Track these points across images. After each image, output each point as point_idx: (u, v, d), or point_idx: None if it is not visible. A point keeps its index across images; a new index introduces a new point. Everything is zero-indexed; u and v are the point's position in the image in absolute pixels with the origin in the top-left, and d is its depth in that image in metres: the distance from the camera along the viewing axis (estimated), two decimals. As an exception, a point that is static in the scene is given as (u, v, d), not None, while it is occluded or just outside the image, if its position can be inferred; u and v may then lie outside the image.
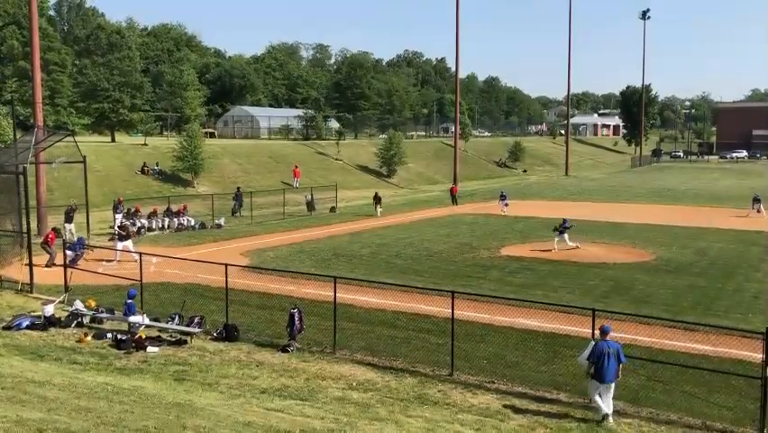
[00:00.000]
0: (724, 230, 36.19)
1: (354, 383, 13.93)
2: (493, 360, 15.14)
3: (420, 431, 10.61)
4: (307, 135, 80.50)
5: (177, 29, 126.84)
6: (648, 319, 16.37)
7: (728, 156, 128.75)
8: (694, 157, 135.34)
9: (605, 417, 11.98)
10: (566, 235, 29.82)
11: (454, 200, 50.62)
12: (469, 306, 16.59)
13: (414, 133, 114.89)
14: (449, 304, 14.76)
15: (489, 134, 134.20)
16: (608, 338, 12.32)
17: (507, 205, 44.94)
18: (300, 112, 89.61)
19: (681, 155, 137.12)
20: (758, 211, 42.37)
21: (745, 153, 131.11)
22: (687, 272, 25.44)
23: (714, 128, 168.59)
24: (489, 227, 38.15)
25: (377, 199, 44.28)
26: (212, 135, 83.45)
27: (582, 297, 21.06)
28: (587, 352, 12.59)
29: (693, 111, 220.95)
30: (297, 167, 57.43)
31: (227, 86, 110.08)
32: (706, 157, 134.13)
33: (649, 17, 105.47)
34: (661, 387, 13.29)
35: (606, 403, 12.11)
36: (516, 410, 12.56)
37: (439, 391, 13.51)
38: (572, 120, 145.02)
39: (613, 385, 12.22)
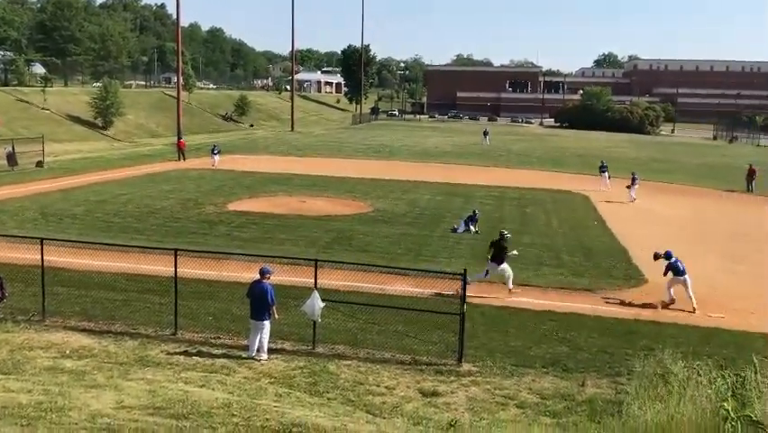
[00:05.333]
0: (431, 183, 39.66)
1: (68, 351, 12.94)
2: (219, 316, 15.07)
3: (141, 393, 10.20)
4: (6, 81, 71.51)
5: None
6: (367, 267, 17.49)
7: (446, 116, 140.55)
8: (408, 116, 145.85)
9: (250, 357, 12.89)
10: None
11: (181, 155, 48.66)
12: (194, 263, 16.21)
13: (132, 82, 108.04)
14: (173, 262, 14.30)
15: (215, 87, 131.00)
16: (264, 280, 13.25)
17: (217, 157, 45.00)
18: (-3, 54, 79.02)
19: (397, 114, 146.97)
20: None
21: (455, 113, 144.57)
22: (400, 222, 27.53)
23: (425, 89, 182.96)
24: (215, 182, 37.50)
25: None
26: None
27: (307, 248, 21.75)
28: (309, 300, 13.14)
29: (407, 72, 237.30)
30: (-7, 116, 50.78)
31: None
32: (418, 116, 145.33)
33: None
34: (377, 329, 14.30)
35: (253, 342, 13.01)
36: (242, 363, 12.69)
37: (162, 352, 13.11)
38: (297, 76, 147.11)
39: (267, 324, 13.08)
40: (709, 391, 7.94)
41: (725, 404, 6.52)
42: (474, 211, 26.77)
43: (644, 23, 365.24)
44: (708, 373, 8.57)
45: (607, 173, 39.81)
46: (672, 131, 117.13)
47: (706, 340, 14.69)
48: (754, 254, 23.89)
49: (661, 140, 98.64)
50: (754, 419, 6.33)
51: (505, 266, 17.73)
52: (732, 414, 6.32)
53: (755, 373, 8.05)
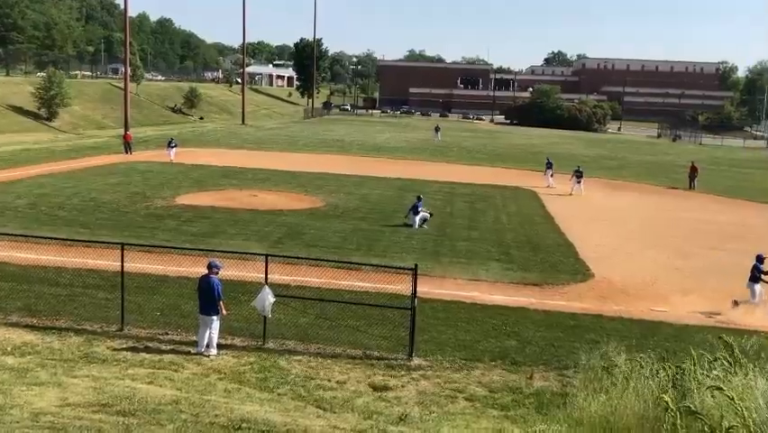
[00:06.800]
0: (382, 178, 39.72)
1: (9, 348, 12.56)
2: (167, 311, 14.83)
3: (87, 390, 9.99)
4: (-56, 69, 68.91)
5: None
6: (318, 262, 17.47)
7: (398, 111, 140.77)
8: (360, 111, 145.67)
9: (199, 353, 12.73)
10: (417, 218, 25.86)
11: (128, 148, 47.54)
12: (141, 257, 15.93)
13: (78, 72, 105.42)
14: (119, 257, 14.02)
15: (164, 78, 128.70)
16: (212, 274, 13.09)
17: (173, 151, 43.72)
18: (-67, 40, 76.07)
19: (349, 108, 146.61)
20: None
21: (407, 109, 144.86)
22: (352, 217, 27.52)
23: (377, 84, 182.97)
24: (164, 176, 36.86)
25: None
26: None
27: (258, 243, 21.55)
28: (260, 295, 13.05)
29: (359, 67, 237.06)
30: (-70, 105, 48.87)
31: None
32: (370, 111, 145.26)
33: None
34: (328, 324, 14.28)
35: (202, 337, 12.83)
36: (190, 359, 12.53)
37: (108, 348, 12.85)
38: (248, 69, 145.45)
39: (215, 319, 12.91)
40: (651, 382, 8.17)
41: (665, 396, 6.73)
42: (418, 196, 26.79)
43: (592, 23, 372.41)
44: (651, 366, 8.81)
45: (551, 170, 40.31)
46: (619, 129, 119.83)
47: (649, 333, 15.09)
48: (697, 249, 24.63)
49: (608, 137, 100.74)
50: (693, 409, 6.56)
51: (759, 288, 17.49)
52: (672, 405, 6.54)
53: (694, 365, 8.32)
